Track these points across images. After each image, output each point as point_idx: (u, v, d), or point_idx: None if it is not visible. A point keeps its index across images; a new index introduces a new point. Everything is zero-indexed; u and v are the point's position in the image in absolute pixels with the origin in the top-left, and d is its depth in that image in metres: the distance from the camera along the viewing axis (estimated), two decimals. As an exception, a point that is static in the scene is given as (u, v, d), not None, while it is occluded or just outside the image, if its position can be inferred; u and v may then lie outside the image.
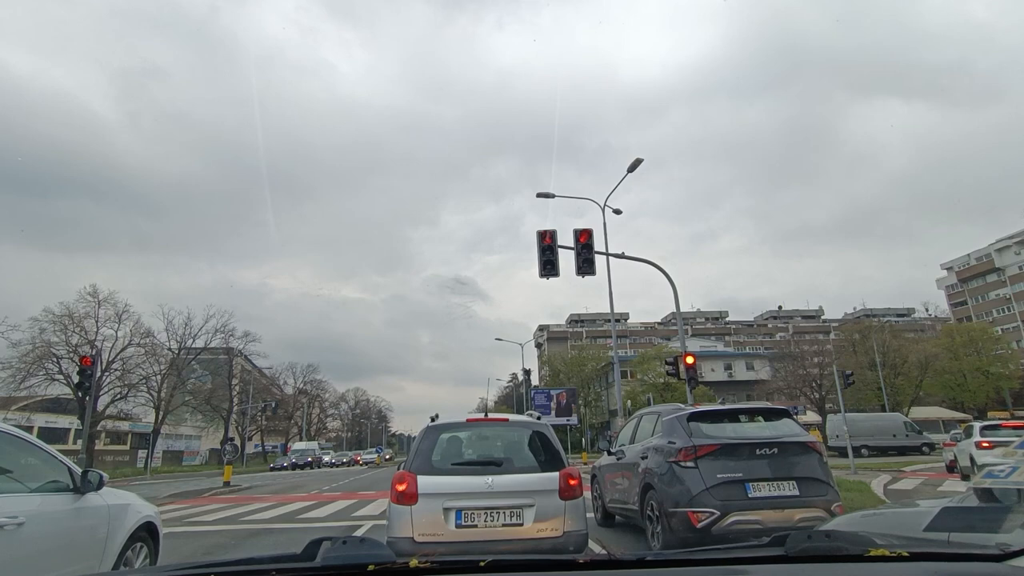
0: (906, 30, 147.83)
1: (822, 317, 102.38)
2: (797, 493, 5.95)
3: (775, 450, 6.16)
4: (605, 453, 9.31)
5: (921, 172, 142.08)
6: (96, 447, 40.78)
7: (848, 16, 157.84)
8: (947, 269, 78.33)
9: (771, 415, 7.00)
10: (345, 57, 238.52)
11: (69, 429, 47.73)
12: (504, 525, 4.85)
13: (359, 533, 7.99)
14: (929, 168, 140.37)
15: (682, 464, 6.16)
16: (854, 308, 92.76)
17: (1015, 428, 15.56)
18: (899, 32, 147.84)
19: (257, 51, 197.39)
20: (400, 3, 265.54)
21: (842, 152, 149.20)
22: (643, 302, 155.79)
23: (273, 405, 55.84)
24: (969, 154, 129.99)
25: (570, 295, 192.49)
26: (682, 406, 7.80)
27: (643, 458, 7.05)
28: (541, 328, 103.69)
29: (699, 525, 5.77)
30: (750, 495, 5.88)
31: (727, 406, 7.90)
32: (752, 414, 7.24)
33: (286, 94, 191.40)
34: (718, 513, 5.76)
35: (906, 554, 1.43)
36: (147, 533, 4.99)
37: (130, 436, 55.72)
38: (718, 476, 5.95)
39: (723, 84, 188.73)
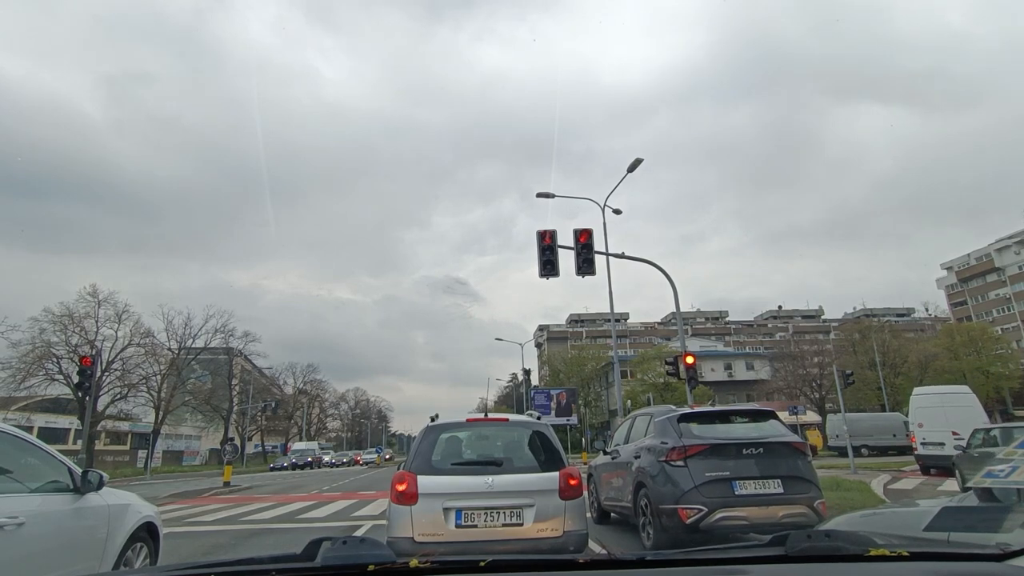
0: (883, 37, 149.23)
1: (822, 317, 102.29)
2: (781, 491, 6.21)
3: (761, 450, 6.42)
4: (601, 453, 9.50)
5: (905, 175, 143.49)
6: (96, 447, 40.77)
7: (825, 24, 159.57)
8: (947, 269, 78.29)
9: (758, 416, 7.25)
10: (330, 63, 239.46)
11: (69, 429, 47.75)
12: (504, 525, 4.85)
13: (359, 533, 7.99)
14: (913, 171, 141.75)
15: (673, 463, 6.43)
16: (854, 308, 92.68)
17: None
18: (876, 39, 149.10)
19: (244, 56, 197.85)
20: (381, 13, 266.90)
21: (825, 156, 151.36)
22: (637, 303, 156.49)
23: (273, 405, 55.77)
24: (952, 157, 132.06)
25: (564, 296, 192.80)
26: (674, 407, 8.00)
27: (636, 457, 7.30)
28: (541, 328, 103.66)
29: (688, 521, 6.04)
30: (737, 492, 6.15)
31: (716, 408, 8.18)
32: (740, 415, 7.40)
33: (274, 99, 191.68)
34: (706, 510, 6.02)
35: (906, 554, 1.43)
36: (147, 533, 4.99)
37: (130, 436, 55.74)
38: (706, 475, 6.22)
39: (706, 90, 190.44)
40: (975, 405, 17.96)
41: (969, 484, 2.46)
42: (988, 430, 13.11)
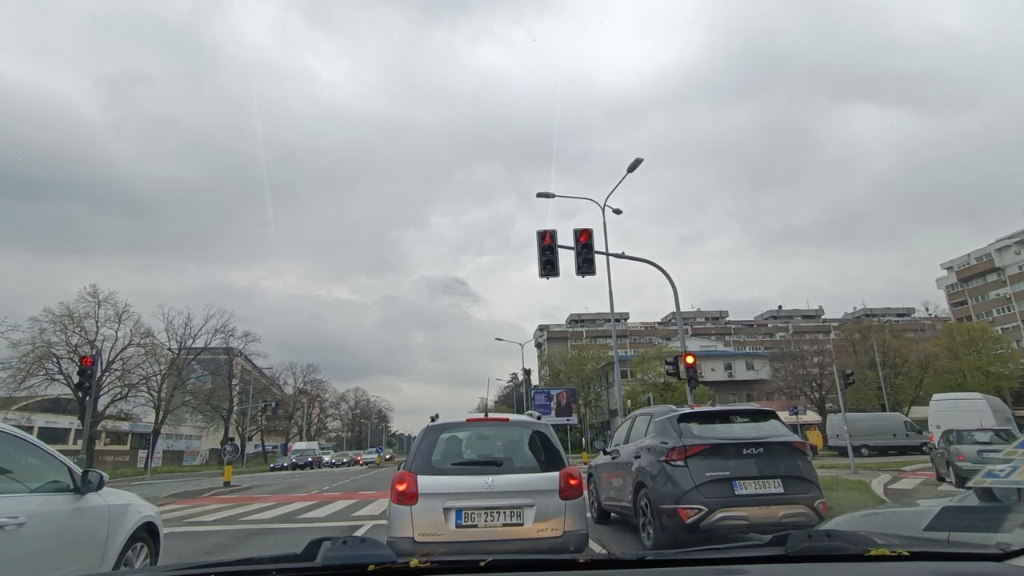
0: (881, 38, 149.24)
1: (822, 317, 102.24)
2: (782, 491, 6.20)
3: (761, 450, 6.41)
4: (601, 453, 9.50)
5: (904, 175, 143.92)
6: (96, 447, 40.78)
7: (823, 24, 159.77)
8: (947, 269, 78.27)
9: (759, 416, 7.24)
10: (328, 64, 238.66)
11: (69, 429, 47.77)
12: (504, 525, 4.85)
13: (359, 533, 7.99)
14: (912, 171, 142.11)
15: (673, 463, 6.42)
16: (854, 308, 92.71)
17: None
18: (874, 40, 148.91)
19: (243, 57, 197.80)
20: (378, 14, 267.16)
21: (824, 156, 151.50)
22: (637, 303, 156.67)
23: (273, 405, 55.78)
24: (951, 157, 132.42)
25: (564, 296, 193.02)
26: (674, 407, 7.99)
27: (636, 457, 7.30)
28: (541, 328, 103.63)
29: (688, 521, 6.03)
30: (737, 492, 6.15)
31: (716, 408, 8.17)
32: (740, 415, 7.40)
33: (273, 100, 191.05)
34: (706, 509, 6.01)
35: (906, 553, 1.43)
36: (147, 533, 4.99)
37: (130, 436, 55.77)
38: (706, 474, 6.21)
39: (704, 90, 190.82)
40: (985, 410, 21.17)
41: (970, 484, 2.48)
42: (951, 431, 15.33)
